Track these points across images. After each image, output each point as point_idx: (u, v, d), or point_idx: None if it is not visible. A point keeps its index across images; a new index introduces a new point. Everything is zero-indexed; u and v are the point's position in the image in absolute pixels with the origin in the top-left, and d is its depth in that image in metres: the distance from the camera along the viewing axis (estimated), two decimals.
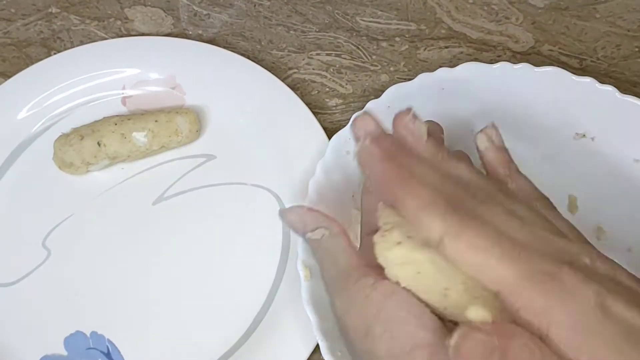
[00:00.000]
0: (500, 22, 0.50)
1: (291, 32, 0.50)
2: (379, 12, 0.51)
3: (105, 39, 0.49)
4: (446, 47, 0.49)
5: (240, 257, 0.43)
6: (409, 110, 0.31)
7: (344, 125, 0.40)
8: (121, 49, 0.47)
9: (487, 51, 0.49)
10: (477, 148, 0.34)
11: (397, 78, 0.48)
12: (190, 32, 0.50)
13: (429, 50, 0.49)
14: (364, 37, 0.50)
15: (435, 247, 0.25)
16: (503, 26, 0.50)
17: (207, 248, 0.43)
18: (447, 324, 0.26)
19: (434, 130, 0.35)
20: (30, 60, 0.48)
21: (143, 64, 0.47)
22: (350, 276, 0.28)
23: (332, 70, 0.49)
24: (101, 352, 0.40)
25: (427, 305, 0.26)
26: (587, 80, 0.39)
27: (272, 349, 0.39)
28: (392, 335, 0.26)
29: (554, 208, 0.31)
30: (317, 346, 0.37)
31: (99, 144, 0.42)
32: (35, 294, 0.42)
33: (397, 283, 0.27)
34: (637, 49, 0.49)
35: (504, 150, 0.34)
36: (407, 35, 0.50)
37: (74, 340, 0.41)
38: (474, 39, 0.50)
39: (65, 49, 0.48)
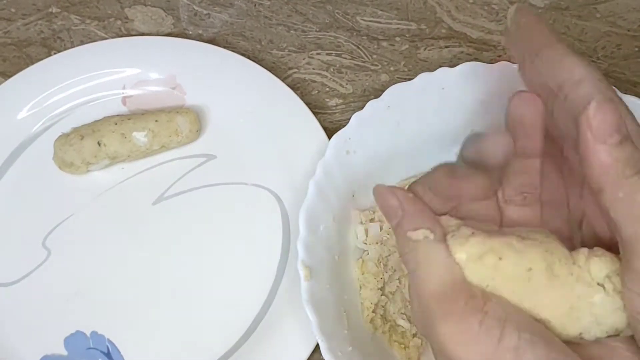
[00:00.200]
0: (501, 21, 0.50)
1: (291, 31, 0.50)
2: (380, 12, 0.51)
3: (106, 38, 0.49)
4: (446, 47, 0.49)
5: (240, 257, 0.43)
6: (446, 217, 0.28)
7: (344, 125, 0.40)
8: (121, 49, 0.47)
9: (488, 51, 0.49)
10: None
11: (398, 78, 0.48)
12: (191, 32, 0.50)
13: (429, 50, 0.49)
14: (365, 37, 0.50)
15: None
16: (503, 26, 0.50)
17: (207, 248, 0.43)
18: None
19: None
20: (30, 60, 0.48)
21: (143, 64, 0.47)
22: (458, 296, 0.24)
23: (332, 70, 0.49)
24: (101, 352, 0.40)
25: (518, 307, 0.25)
26: None
27: (272, 349, 0.39)
28: None
29: None
30: (317, 346, 0.37)
31: (99, 143, 0.42)
32: (36, 294, 0.42)
33: (478, 286, 0.25)
34: (637, 49, 0.49)
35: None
36: (407, 35, 0.50)
37: (74, 340, 0.41)
38: (474, 38, 0.49)
39: (66, 49, 0.48)
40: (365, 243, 0.41)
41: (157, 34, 0.50)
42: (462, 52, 0.49)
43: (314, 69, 0.49)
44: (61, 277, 0.42)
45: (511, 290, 0.25)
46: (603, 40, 0.49)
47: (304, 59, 0.49)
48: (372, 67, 0.49)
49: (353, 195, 0.41)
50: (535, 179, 0.29)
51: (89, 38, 0.50)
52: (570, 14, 0.50)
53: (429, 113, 0.40)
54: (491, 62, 0.40)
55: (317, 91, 0.48)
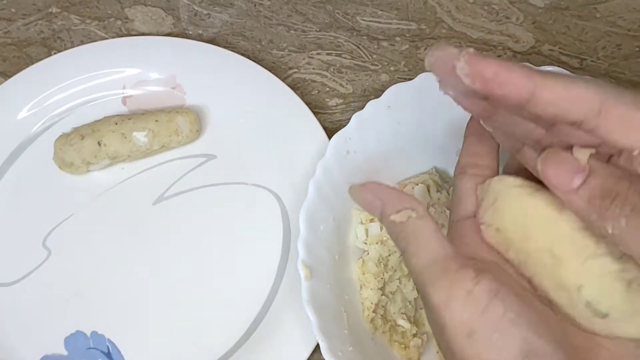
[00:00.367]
0: (501, 21, 0.50)
1: (291, 31, 0.50)
2: (380, 12, 0.51)
3: (106, 38, 0.49)
4: None
5: (241, 257, 0.43)
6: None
7: (344, 125, 0.40)
8: (121, 49, 0.47)
9: (488, 51, 0.49)
10: None
11: (398, 78, 0.48)
12: (191, 32, 0.50)
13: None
14: (365, 37, 0.50)
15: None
16: (503, 26, 0.50)
17: (207, 248, 0.43)
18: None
19: None
20: (30, 60, 0.48)
21: (143, 64, 0.47)
22: (448, 266, 0.25)
23: (332, 69, 0.49)
24: (101, 352, 0.40)
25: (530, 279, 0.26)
26: None
27: (272, 349, 0.40)
28: (500, 339, 0.23)
29: None
30: (318, 346, 0.37)
31: (99, 143, 0.42)
32: (36, 293, 0.42)
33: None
34: (637, 49, 0.49)
35: None
36: (407, 35, 0.50)
37: (74, 340, 0.41)
38: (474, 38, 0.49)
39: (66, 49, 0.48)
40: (366, 243, 0.41)
41: (157, 34, 0.50)
42: None
43: (314, 68, 0.49)
44: (61, 277, 0.42)
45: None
46: (603, 40, 0.49)
47: (304, 59, 0.49)
48: (372, 67, 0.49)
49: None
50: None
51: (89, 38, 0.50)
52: (570, 14, 0.50)
53: (429, 113, 0.40)
54: None
55: (317, 91, 0.48)
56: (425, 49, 0.49)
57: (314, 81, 0.48)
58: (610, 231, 0.22)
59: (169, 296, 0.42)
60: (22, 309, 0.41)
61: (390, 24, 0.50)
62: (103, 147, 0.42)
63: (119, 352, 0.41)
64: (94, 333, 0.41)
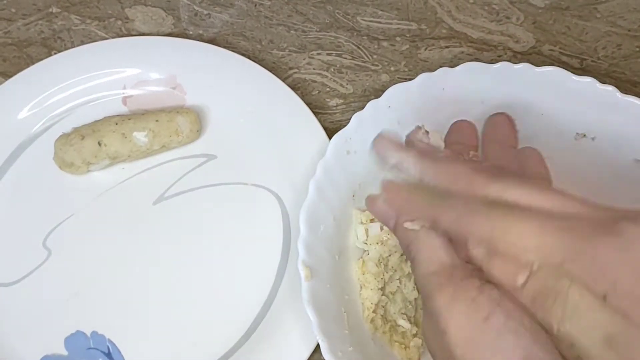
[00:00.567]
0: (501, 21, 0.50)
1: (292, 31, 0.50)
2: (380, 12, 0.51)
3: (106, 38, 0.49)
4: (447, 47, 0.49)
5: (241, 257, 0.43)
6: (419, 128, 0.32)
7: (345, 125, 0.40)
8: (122, 49, 0.47)
9: (488, 51, 0.49)
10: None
11: (398, 78, 0.48)
12: (191, 32, 0.50)
13: (429, 50, 0.49)
14: (365, 37, 0.50)
15: (490, 244, 0.25)
16: (504, 26, 0.50)
17: (207, 248, 0.43)
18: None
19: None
20: (30, 60, 0.48)
21: (144, 64, 0.47)
22: (454, 274, 0.26)
23: (332, 70, 0.49)
24: (102, 352, 0.40)
25: None
26: (588, 80, 0.39)
27: (272, 349, 0.39)
28: (500, 348, 0.24)
29: None
30: (318, 346, 0.37)
31: (99, 143, 0.42)
32: (36, 294, 0.42)
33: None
34: (637, 49, 0.49)
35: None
36: (407, 35, 0.50)
37: (74, 340, 0.41)
38: (474, 38, 0.49)
39: (66, 49, 0.48)
40: (366, 243, 0.41)
41: (158, 34, 0.50)
42: (462, 52, 0.49)
43: (314, 69, 0.49)
44: (62, 277, 0.42)
45: None
46: (603, 40, 0.49)
47: (304, 59, 0.49)
48: (373, 67, 0.49)
49: (353, 195, 0.41)
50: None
51: (89, 38, 0.50)
52: (570, 14, 0.50)
53: (429, 113, 0.40)
54: (492, 62, 0.40)
55: (317, 91, 0.48)
56: (425, 49, 0.49)
57: (314, 81, 0.48)
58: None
59: (169, 296, 0.42)
60: (22, 309, 0.41)
61: (391, 24, 0.50)
62: (103, 147, 0.42)
63: (119, 352, 0.41)
64: (94, 333, 0.41)
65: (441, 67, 0.40)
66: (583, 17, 0.50)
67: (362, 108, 0.40)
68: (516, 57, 0.49)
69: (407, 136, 0.32)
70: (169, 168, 0.45)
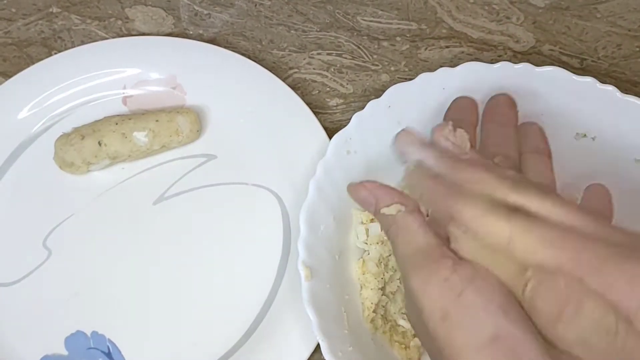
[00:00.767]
0: (501, 21, 0.50)
1: (292, 31, 0.50)
2: (380, 12, 0.51)
3: (106, 38, 0.49)
4: (447, 47, 0.49)
5: (241, 257, 0.43)
6: (446, 123, 0.32)
7: (345, 125, 0.40)
8: (122, 49, 0.47)
9: (488, 51, 0.49)
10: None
11: (398, 78, 0.48)
12: (191, 32, 0.50)
13: (429, 50, 0.49)
14: (365, 37, 0.50)
15: (504, 248, 0.26)
16: (504, 26, 0.50)
17: (207, 248, 0.43)
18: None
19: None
20: (31, 60, 0.48)
21: (144, 64, 0.47)
22: (430, 255, 0.28)
23: (332, 69, 0.49)
24: (102, 352, 0.40)
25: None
26: (588, 80, 0.39)
27: (272, 349, 0.40)
28: (471, 323, 0.25)
29: None
30: (318, 346, 0.37)
31: (99, 143, 0.42)
32: (36, 293, 0.42)
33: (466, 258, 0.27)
34: (637, 49, 0.49)
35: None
36: (408, 35, 0.50)
37: (74, 340, 0.41)
38: (474, 38, 0.49)
39: (66, 49, 0.48)
40: (366, 243, 0.41)
41: (158, 34, 0.50)
42: (462, 52, 0.49)
43: (314, 69, 0.49)
44: (62, 277, 0.42)
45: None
46: (603, 40, 0.49)
47: (304, 59, 0.49)
48: (373, 67, 0.49)
49: None
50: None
51: (89, 38, 0.50)
52: (570, 14, 0.50)
53: (429, 113, 0.40)
54: (492, 61, 0.40)
55: (317, 91, 0.48)
56: (425, 49, 0.49)
57: (315, 81, 0.48)
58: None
59: (169, 296, 0.42)
60: (22, 309, 0.41)
61: (391, 24, 0.50)
62: (103, 147, 0.42)
63: (119, 352, 0.41)
64: (94, 333, 0.41)
65: (441, 67, 0.40)
66: (583, 17, 0.50)
67: (362, 108, 0.40)
68: (516, 57, 0.49)
69: (433, 130, 0.33)
70: (169, 168, 0.45)
